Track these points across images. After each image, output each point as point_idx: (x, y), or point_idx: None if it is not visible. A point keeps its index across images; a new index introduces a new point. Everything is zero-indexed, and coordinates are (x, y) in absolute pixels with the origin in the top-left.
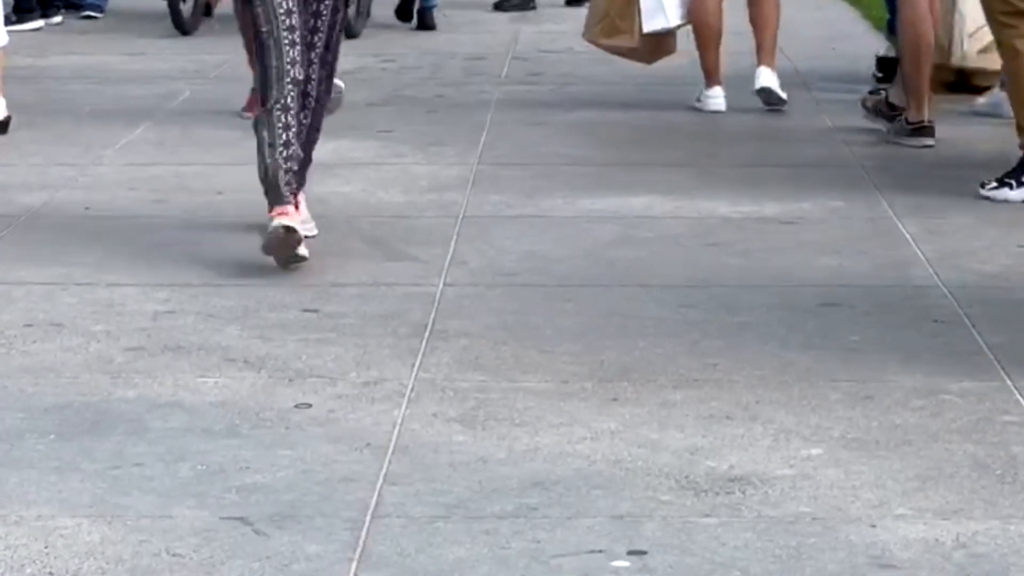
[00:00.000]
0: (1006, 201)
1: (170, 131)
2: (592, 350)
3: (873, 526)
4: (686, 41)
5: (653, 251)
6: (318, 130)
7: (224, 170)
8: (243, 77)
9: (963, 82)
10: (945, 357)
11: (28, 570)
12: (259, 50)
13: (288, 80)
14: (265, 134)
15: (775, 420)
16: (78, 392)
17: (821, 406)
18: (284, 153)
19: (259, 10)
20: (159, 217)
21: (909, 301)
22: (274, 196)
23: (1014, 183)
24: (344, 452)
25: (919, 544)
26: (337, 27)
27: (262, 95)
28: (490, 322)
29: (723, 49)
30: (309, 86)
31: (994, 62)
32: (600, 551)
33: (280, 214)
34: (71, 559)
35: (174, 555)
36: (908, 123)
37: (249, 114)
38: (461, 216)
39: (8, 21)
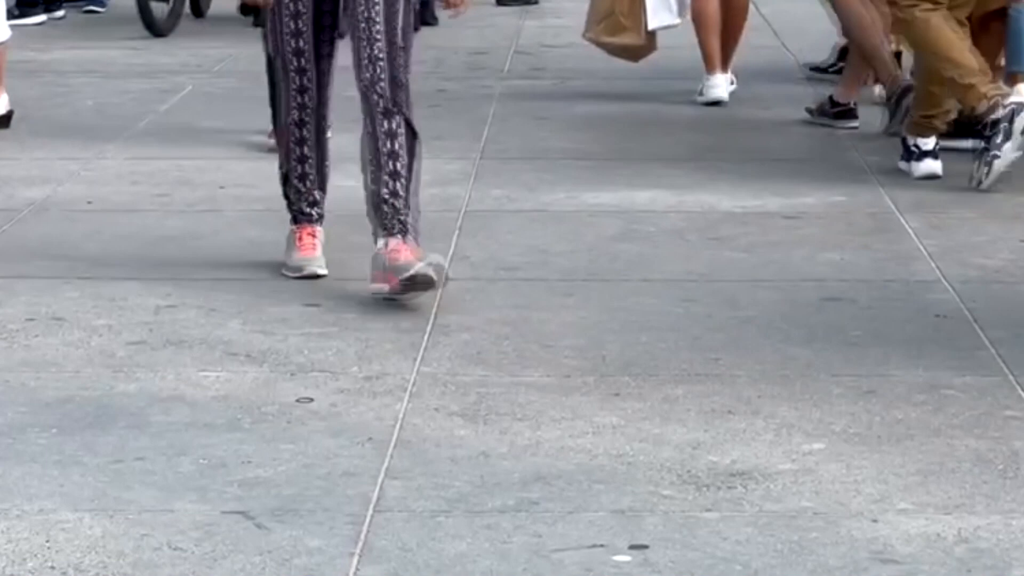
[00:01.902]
0: (957, 150)
1: (172, 125)
2: (594, 345)
3: (875, 521)
4: (689, 35)
5: (655, 245)
6: (412, 155)
7: (226, 164)
8: (244, 71)
9: None
10: (947, 352)
11: (29, 564)
12: (269, 71)
13: (294, 106)
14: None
15: (777, 415)
16: (80, 386)
17: (823, 401)
18: (297, 178)
19: (267, 29)
20: (161, 211)
21: (911, 296)
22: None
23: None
24: (346, 446)
25: (921, 539)
26: (401, 20)
27: (274, 120)
28: (492, 316)
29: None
30: (325, 110)
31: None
32: (602, 545)
33: (309, 235)
34: (72, 553)
35: (175, 549)
36: (836, 104)
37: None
38: (463, 210)
39: (11, 15)
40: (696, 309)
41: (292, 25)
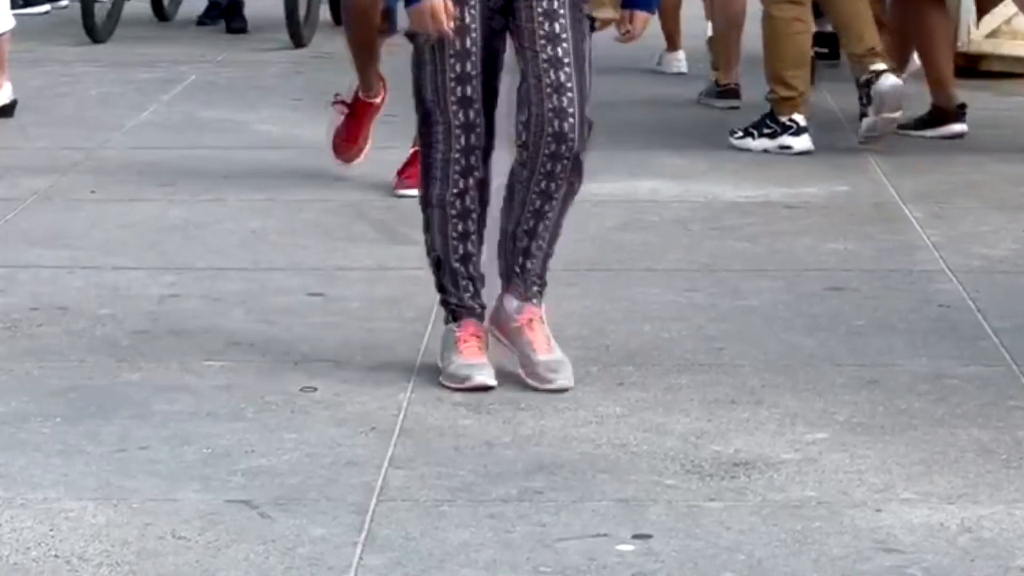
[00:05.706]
0: (748, 150)
1: (176, 115)
2: (597, 334)
3: (878, 510)
4: (695, 28)
5: (659, 235)
6: (566, 199)
7: (230, 154)
8: (247, 61)
9: (971, 67)
10: (950, 342)
11: (33, 553)
12: (421, 126)
13: (457, 171)
14: (437, 243)
15: (780, 404)
16: (84, 375)
17: (826, 390)
18: (458, 260)
19: (426, 70)
20: (165, 200)
21: (915, 286)
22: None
23: (755, 133)
24: (349, 435)
25: (924, 528)
26: (586, 42)
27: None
28: (496, 305)
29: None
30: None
31: (1000, 47)
32: (605, 535)
33: (473, 335)
34: (76, 542)
35: (179, 538)
36: (718, 86)
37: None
38: None
39: (15, 5)
40: (699, 299)
41: (459, 67)
